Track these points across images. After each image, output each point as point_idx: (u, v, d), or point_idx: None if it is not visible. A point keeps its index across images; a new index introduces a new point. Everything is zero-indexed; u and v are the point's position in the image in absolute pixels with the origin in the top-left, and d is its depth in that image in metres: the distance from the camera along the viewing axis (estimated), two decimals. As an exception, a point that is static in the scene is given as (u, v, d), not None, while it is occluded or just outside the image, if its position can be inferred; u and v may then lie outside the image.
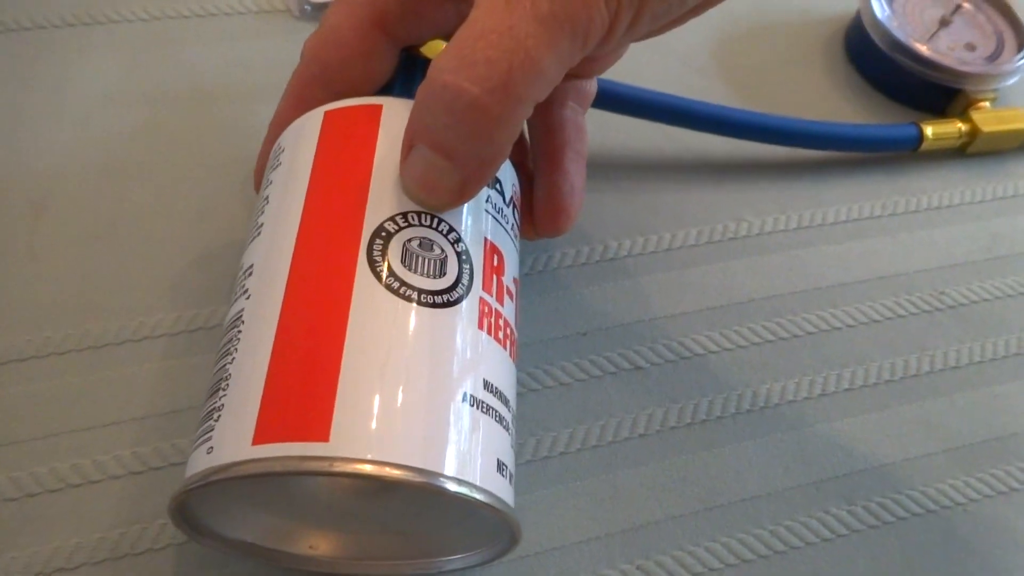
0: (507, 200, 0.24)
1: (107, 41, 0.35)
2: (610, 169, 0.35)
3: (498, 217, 0.23)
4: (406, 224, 0.20)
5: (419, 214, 0.21)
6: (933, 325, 0.32)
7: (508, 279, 0.23)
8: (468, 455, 0.19)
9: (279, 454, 0.17)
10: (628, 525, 0.26)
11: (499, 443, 0.20)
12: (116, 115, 0.33)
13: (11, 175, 0.30)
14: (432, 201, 0.21)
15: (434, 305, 0.19)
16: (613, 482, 0.27)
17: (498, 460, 0.19)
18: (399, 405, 0.18)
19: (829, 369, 0.30)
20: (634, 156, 0.35)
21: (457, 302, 0.20)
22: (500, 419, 0.20)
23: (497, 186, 0.23)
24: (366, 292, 0.19)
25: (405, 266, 0.20)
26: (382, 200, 0.21)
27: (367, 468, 0.17)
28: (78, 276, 0.29)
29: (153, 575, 0.24)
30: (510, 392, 0.21)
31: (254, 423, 0.18)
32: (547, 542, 0.26)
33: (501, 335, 0.21)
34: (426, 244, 0.20)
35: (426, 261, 0.20)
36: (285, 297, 0.19)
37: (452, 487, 0.18)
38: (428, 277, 0.20)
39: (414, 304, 0.19)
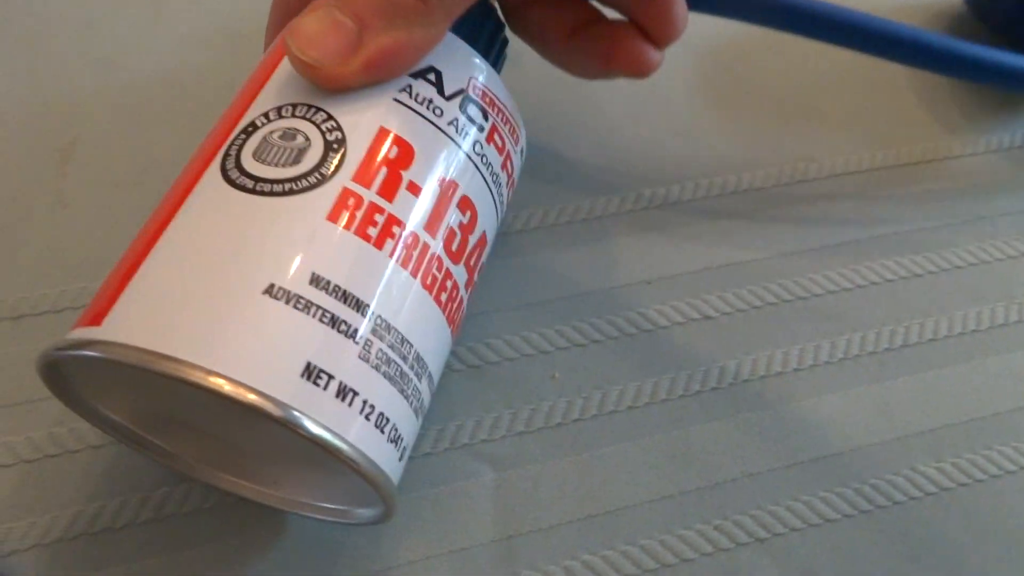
0: (451, 95, 0.21)
1: (132, -21, 0.33)
2: (584, 116, 0.32)
3: (421, 111, 0.20)
4: (277, 117, 0.19)
5: (296, 105, 0.19)
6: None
7: (426, 178, 0.19)
8: (250, 349, 0.16)
9: (64, 340, 0.17)
10: (703, 483, 0.24)
11: (319, 345, 0.17)
12: (144, 58, 0.31)
13: (38, 119, 0.29)
14: (309, 57, 0.18)
15: (268, 193, 0.18)
16: (686, 438, 0.25)
17: (308, 363, 0.16)
18: (179, 294, 0.17)
19: (911, 319, 0.28)
20: (608, 102, 0.33)
21: (301, 191, 0.18)
22: (332, 320, 0.17)
23: (431, 76, 0.20)
24: (204, 187, 0.18)
25: (256, 159, 0.18)
26: (268, 97, 0.20)
27: (94, 352, 0.16)
28: (108, 225, 0.27)
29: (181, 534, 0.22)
30: (376, 299, 0.18)
31: (80, 313, 0.18)
32: (617, 500, 0.24)
33: (374, 231, 0.18)
34: (289, 134, 0.19)
35: (281, 151, 0.18)
36: (161, 198, 0.19)
37: (198, 376, 0.15)
38: (278, 167, 0.18)
39: (244, 194, 0.18)
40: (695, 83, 0.33)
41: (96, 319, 0.17)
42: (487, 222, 0.22)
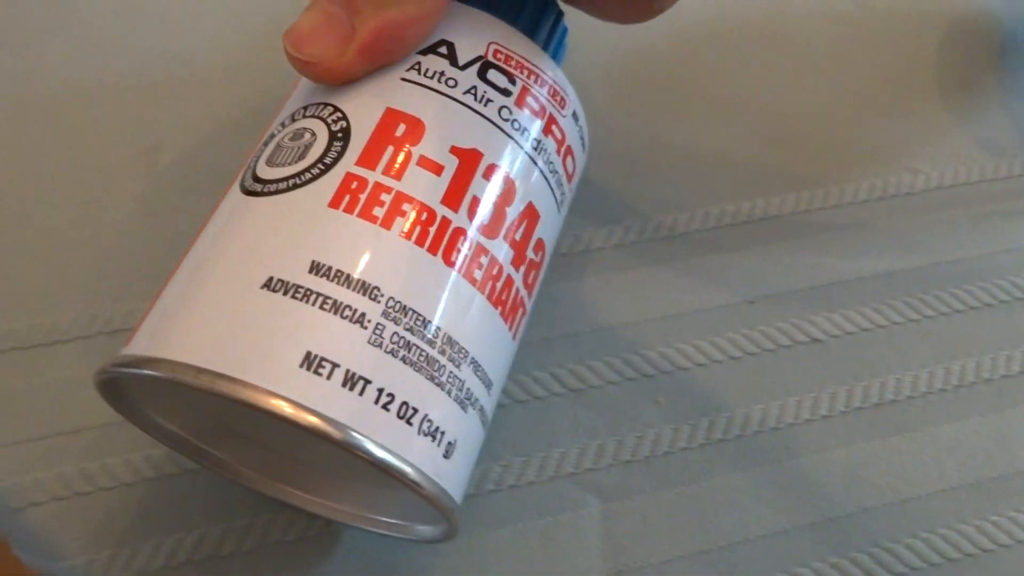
0: (466, 63, 0.20)
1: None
2: (653, 123, 0.31)
3: (431, 85, 0.19)
4: (291, 122, 0.19)
5: (307, 107, 0.19)
6: None
7: (440, 151, 0.18)
8: (247, 347, 0.16)
9: (114, 359, 0.17)
10: (818, 518, 0.23)
11: (320, 333, 0.16)
12: (220, 56, 0.30)
13: (122, 120, 0.28)
14: (305, 54, 0.18)
15: (274, 192, 0.18)
16: (798, 469, 0.24)
17: (308, 352, 0.16)
18: (188, 299, 0.17)
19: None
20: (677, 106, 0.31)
21: (304, 183, 0.17)
22: (334, 306, 0.16)
23: (441, 49, 0.19)
24: (226, 201, 0.19)
25: (268, 164, 0.18)
26: (288, 106, 0.20)
27: (104, 376, 0.17)
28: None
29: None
30: (386, 281, 0.17)
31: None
32: (730, 535, 0.23)
33: (380, 211, 0.17)
34: (298, 134, 0.19)
35: (289, 151, 0.18)
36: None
37: (192, 377, 0.15)
38: (286, 166, 0.18)
39: (255, 198, 0.18)
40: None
41: (137, 334, 0.17)
42: (532, 193, 0.20)
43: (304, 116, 0.19)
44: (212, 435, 0.21)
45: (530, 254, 0.20)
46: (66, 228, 0.26)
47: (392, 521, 0.21)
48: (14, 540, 0.22)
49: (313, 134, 0.18)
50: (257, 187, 0.18)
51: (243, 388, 0.15)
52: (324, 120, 0.18)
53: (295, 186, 0.17)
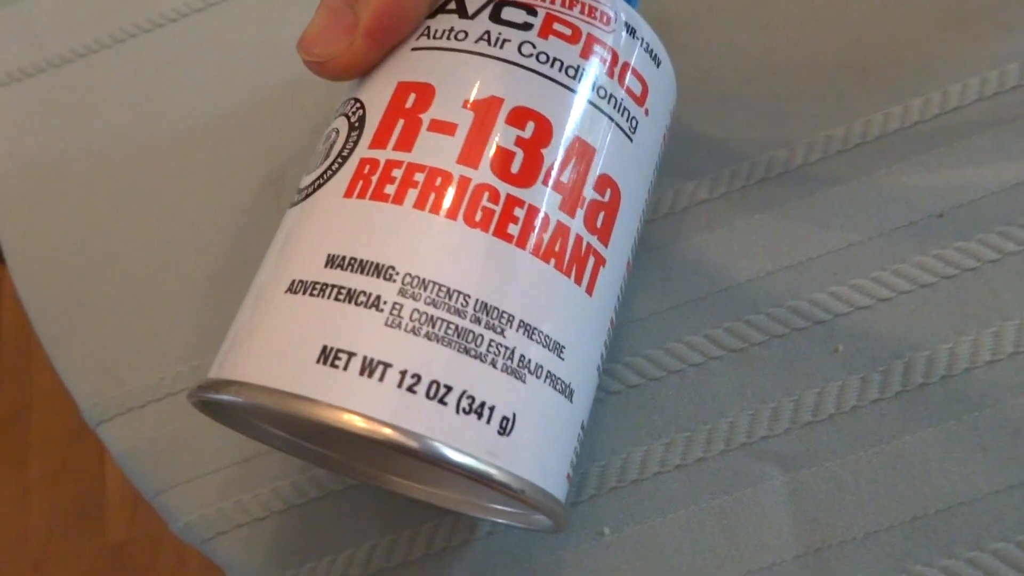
0: (476, 11, 0.18)
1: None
2: (736, 53, 0.26)
3: (439, 45, 0.18)
4: (326, 128, 0.19)
5: (339, 107, 0.19)
6: None
7: (452, 109, 0.17)
8: (269, 351, 0.16)
9: (198, 384, 0.17)
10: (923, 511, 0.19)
11: (335, 325, 0.15)
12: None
13: (247, 154, 0.29)
14: (316, 55, 0.18)
15: (305, 198, 0.18)
16: (899, 449, 0.20)
17: (324, 347, 0.15)
18: (238, 316, 0.18)
19: None
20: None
21: (326, 181, 0.17)
22: (348, 295, 0.16)
23: (450, 5, 0.18)
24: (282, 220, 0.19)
25: (306, 172, 0.19)
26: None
27: (191, 400, 0.17)
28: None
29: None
30: (398, 257, 0.16)
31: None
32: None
33: (391, 188, 0.16)
34: (327, 136, 0.19)
35: (318, 155, 0.19)
36: None
37: (224, 394, 0.16)
38: (314, 170, 0.18)
39: (291, 208, 0.18)
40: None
41: (220, 354, 0.18)
42: (577, 126, 0.18)
43: (334, 118, 0.19)
44: (315, 434, 0.20)
45: (590, 194, 0.17)
46: (219, 268, 0.27)
47: (509, 510, 0.19)
48: (219, 565, 0.24)
49: (337, 132, 0.18)
50: (296, 197, 0.18)
51: (264, 394, 0.15)
52: (346, 115, 0.18)
53: (319, 186, 0.18)
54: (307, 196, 0.18)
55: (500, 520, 0.20)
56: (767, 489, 0.21)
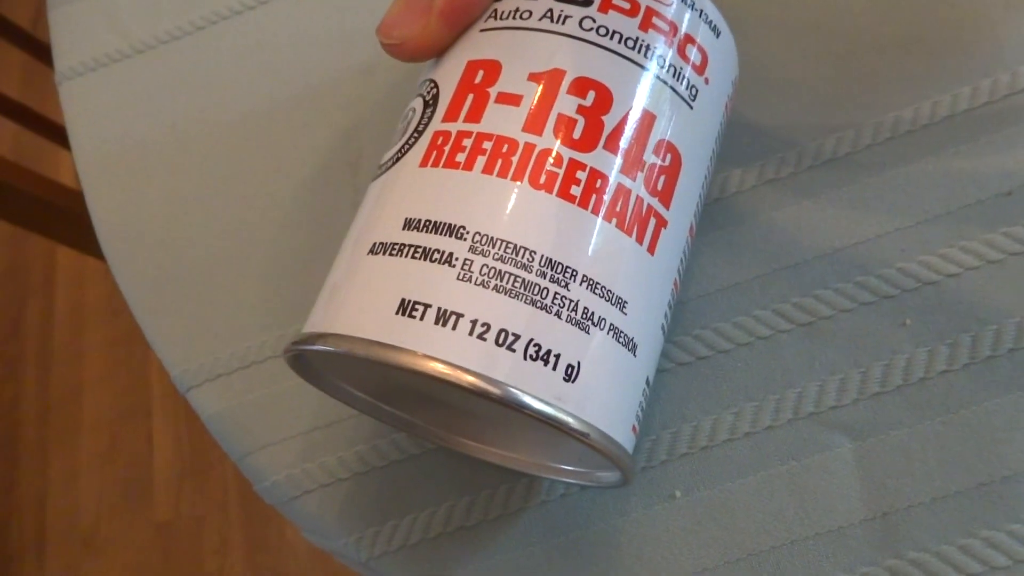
0: None
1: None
2: (799, 26, 0.26)
3: (505, 25, 0.19)
4: (404, 108, 0.21)
5: (416, 88, 0.20)
6: None
7: (517, 82, 0.18)
8: (356, 307, 0.17)
9: (296, 336, 0.19)
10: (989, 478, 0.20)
11: (412, 279, 0.17)
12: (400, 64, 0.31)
13: (325, 136, 0.30)
14: (394, 38, 0.19)
15: (384, 171, 0.19)
16: (966, 419, 0.20)
17: (403, 299, 0.17)
18: (330, 276, 0.19)
19: None
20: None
21: (404, 154, 0.19)
22: (423, 253, 0.17)
23: None
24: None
25: (386, 148, 0.20)
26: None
27: (287, 354, 0.19)
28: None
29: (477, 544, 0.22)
30: (468, 217, 0.17)
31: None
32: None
33: (462, 156, 0.18)
34: (405, 115, 0.20)
35: (397, 133, 0.20)
36: None
37: (315, 344, 0.18)
38: (393, 146, 0.20)
39: (373, 181, 0.20)
40: None
41: (309, 315, 0.19)
42: (636, 94, 0.18)
43: (413, 99, 0.20)
44: (396, 398, 0.22)
45: (650, 158, 0.18)
46: (300, 243, 0.28)
47: (576, 469, 0.21)
48: (299, 524, 0.25)
49: (414, 110, 0.20)
50: (377, 171, 0.20)
51: (349, 342, 0.17)
52: (422, 95, 0.20)
53: (398, 159, 0.19)
54: (387, 169, 0.19)
55: (570, 480, 0.21)
56: (835, 456, 0.21)
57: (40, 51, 0.71)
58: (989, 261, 0.22)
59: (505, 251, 0.17)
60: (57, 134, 0.72)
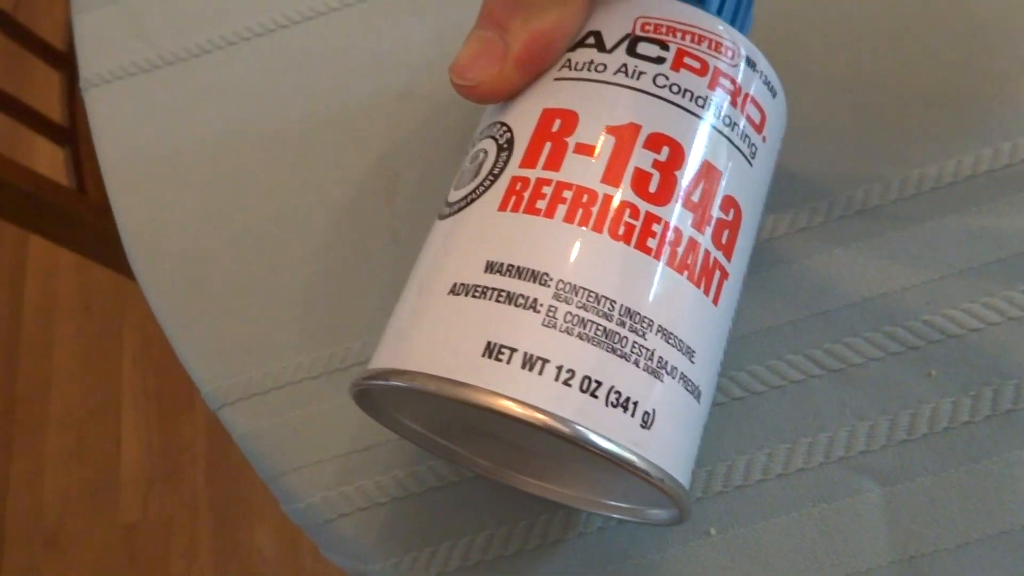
0: (613, 45, 0.20)
1: (411, 3, 0.33)
2: (834, 80, 0.27)
3: (580, 76, 0.20)
4: (471, 147, 0.21)
5: (482, 129, 0.21)
6: None
7: (594, 134, 0.19)
8: (436, 345, 0.18)
9: (364, 371, 0.19)
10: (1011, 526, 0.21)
11: (497, 323, 0.17)
12: (440, 86, 0.31)
13: (361, 158, 0.30)
14: (468, 80, 0.20)
15: (457, 211, 0.20)
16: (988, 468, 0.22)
17: (488, 342, 0.17)
18: (390, 323, 0.20)
19: None
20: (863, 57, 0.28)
21: (479, 196, 0.19)
22: (508, 297, 0.18)
23: (588, 40, 0.20)
24: (432, 228, 0.21)
25: (455, 188, 0.21)
26: (472, 138, 0.22)
27: (356, 388, 0.19)
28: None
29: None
30: (551, 265, 0.18)
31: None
32: (933, 542, 0.21)
33: (543, 203, 0.18)
34: (474, 156, 0.21)
35: (468, 173, 0.20)
36: None
37: (395, 380, 0.18)
38: (466, 186, 0.20)
39: (443, 221, 0.20)
40: None
41: (378, 349, 0.20)
42: (706, 151, 0.19)
43: (480, 139, 0.21)
44: (452, 431, 0.22)
45: (716, 213, 0.19)
46: (336, 265, 0.29)
47: (625, 505, 0.21)
48: (327, 545, 0.25)
49: (486, 152, 0.20)
50: (446, 210, 0.20)
51: (430, 380, 0.17)
52: (494, 137, 0.20)
53: (472, 201, 0.20)
54: (460, 209, 0.20)
55: (614, 515, 0.21)
56: (864, 500, 0.22)
57: (20, 35, 0.68)
58: (1010, 318, 0.24)
59: (587, 299, 0.17)
60: (35, 120, 0.69)
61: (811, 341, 0.24)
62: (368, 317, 0.27)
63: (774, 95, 0.21)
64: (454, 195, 0.20)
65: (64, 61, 0.70)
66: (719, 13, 0.22)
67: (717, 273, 0.19)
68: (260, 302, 0.28)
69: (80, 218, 0.61)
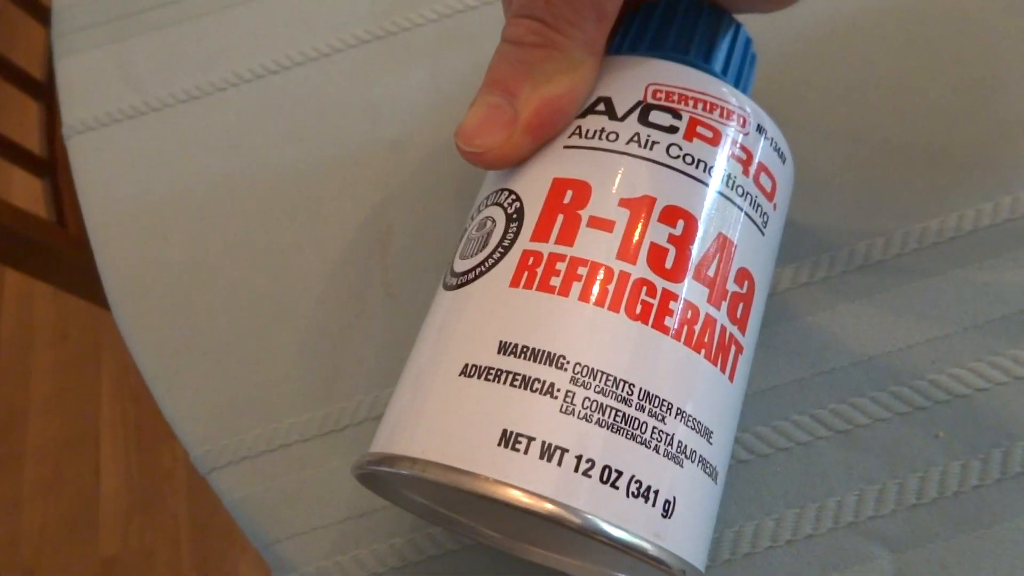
0: (625, 113, 0.19)
1: (405, 50, 0.33)
2: (839, 135, 0.27)
3: (591, 145, 0.19)
4: (477, 214, 0.20)
5: (488, 196, 0.20)
6: None
7: (608, 207, 0.18)
8: (449, 430, 0.17)
9: (363, 457, 0.19)
10: None
11: (513, 409, 0.17)
12: (432, 137, 0.31)
13: (355, 210, 0.30)
14: (475, 147, 0.19)
15: (465, 284, 0.19)
16: (999, 534, 0.21)
17: (504, 431, 0.16)
18: (395, 399, 0.19)
19: None
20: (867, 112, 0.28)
21: (488, 270, 0.19)
22: (523, 381, 0.17)
23: (599, 107, 0.20)
24: (435, 299, 0.20)
25: (461, 257, 0.20)
26: (479, 196, 0.21)
27: (360, 471, 0.19)
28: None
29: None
30: (569, 347, 0.17)
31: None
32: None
33: (556, 280, 0.18)
34: (481, 224, 0.20)
35: (475, 242, 0.20)
36: None
37: (404, 468, 0.17)
38: (473, 256, 0.19)
39: (450, 292, 0.19)
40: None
41: (379, 430, 0.19)
42: (720, 223, 0.19)
43: (487, 205, 0.20)
44: (455, 504, 0.22)
45: (732, 287, 0.19)
46: (329, 321, 0.28)
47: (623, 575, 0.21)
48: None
49: (494, 221, 0.19)
50: (452, 281, 0.20)
51: (445, 472, 0.17)
52: (502, 205, 0.20)
53: (481, 274, 0.19)
54: (469, 282, 0.19)
55: None
56: (875, 568, 0.22)
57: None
58: (1016, 377, 0.23)
59: (606, 384, 0.17)
60: (12, 152, 0.67)
61: (817, 401, 0.24)
62: (363, 376, 0.27)
63: (784, 161, 0.21)
64: (460, 265, 0.20)
65: (42, 91, 0.69)
66: (724, 73, 0.21)
67: (733, 348, 0.19)
68: (250, 360, 0.27)
69: (59, 252, 0.60)
